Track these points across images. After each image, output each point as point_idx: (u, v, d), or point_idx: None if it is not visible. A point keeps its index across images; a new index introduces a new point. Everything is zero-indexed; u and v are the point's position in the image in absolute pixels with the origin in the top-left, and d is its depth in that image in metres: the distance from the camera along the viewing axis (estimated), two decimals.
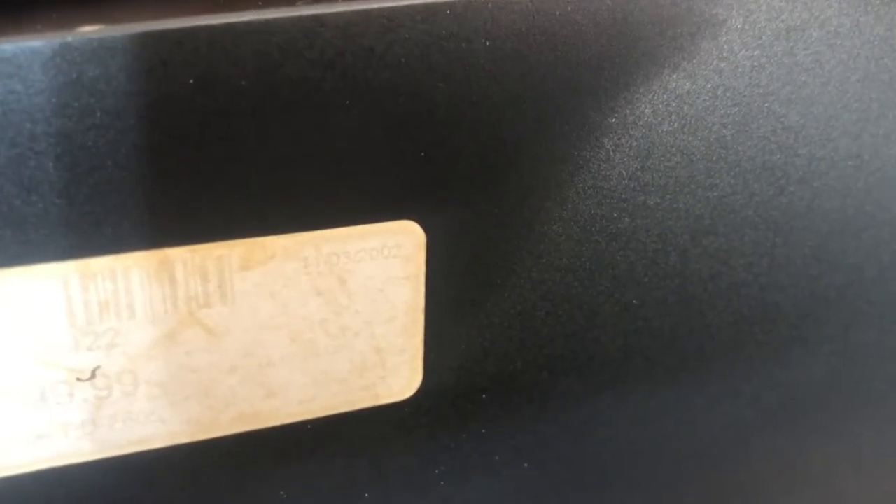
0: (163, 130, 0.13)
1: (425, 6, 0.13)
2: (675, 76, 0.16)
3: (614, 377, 0.18)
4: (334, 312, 0.15)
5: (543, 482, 0.19)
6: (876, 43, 0.17)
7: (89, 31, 0.13)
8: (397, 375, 0.16)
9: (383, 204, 0.15)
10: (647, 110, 0.16)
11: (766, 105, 0.17)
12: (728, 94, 0.16)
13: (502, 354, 0.17)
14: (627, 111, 0.16)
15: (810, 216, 0.18)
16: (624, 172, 0.16)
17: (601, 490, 0.20)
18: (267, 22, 0.13)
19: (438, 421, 0.17)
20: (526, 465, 0.18)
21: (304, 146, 0.14)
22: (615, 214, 0.16)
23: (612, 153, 0.16)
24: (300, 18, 0.13)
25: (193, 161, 0.13)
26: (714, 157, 0.17)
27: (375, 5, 0.13)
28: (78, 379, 0.14)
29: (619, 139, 0.16)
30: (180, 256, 0.14)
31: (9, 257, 0.13)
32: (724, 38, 0.16)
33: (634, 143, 0.16)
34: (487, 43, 0.14)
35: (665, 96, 0.16)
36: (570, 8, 0.15)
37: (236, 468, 0.16)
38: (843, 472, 0.23)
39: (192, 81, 0.13)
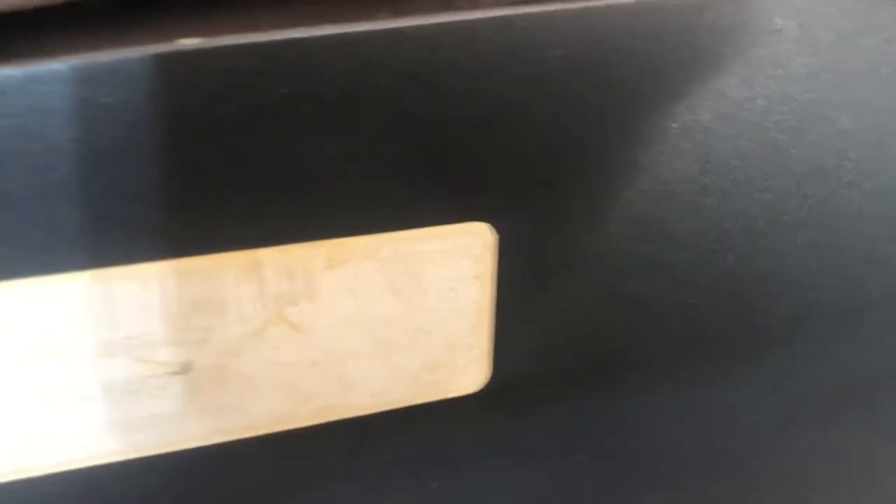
0: (258, 138, 0.14)
1: (503, 18, 0.14)
2: (733, 83, 0.16)
3: (671, 372, 0.18)
4: (408, 310, 0.16)
5: (599, 473, 0.19)
6: None
7: (189, 43, 0.13)
8: (466, 371, 0.17)
9: (457, 207, 0.15)
10: (706, 116, 0.16)
11: (820, 110, 0.17)
12: (783, 100, 0.17)
13: (565, 351, 0.17)
14: (687, 117, 0.16)
15: (860, 218, 0.19)
16: (684, 175, 0.17)
17: (654, 481, 0.20)
18: (353, 35, 0.14)
19: (504, 414, 0.18)
20: (584, 456, 0.19)
21: (385, 153, 0.15)
22: (675, 216, 0.17)
23: (672, 157, 0.17)
24: (385, 31, 0.14)
25: (283, 168, 0.14)
26: (769, 161, 0.17)
27: (455, 18, 0.14)
28: (172, 373, 0.15)
29: (679, 144, 0.16)
30: (270, 257, 0.15)
31: (111, 258, 0.14)
32: (781, 47, 0.16)
33: (694, 148, 0.17)
34: (559, 53, 0.15)
35: (723, 103, 0.16)
36: (635, 20, 0.15)
37: (312, 459, 0.17)
38: (887, 468, 0.23)
39: (284, 92, 0.14)
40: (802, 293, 0.19)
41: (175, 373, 0.15)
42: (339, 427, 0.16)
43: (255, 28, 0.14)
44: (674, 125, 0.16)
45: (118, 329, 0.14)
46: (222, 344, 0.15)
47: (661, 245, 0.17)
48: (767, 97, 0.17)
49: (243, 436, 0.16)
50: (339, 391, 0.16)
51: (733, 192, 0.17)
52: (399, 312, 0.16)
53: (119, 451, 0.15)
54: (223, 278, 0.14)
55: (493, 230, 0.16)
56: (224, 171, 0.14)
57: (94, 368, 0.14)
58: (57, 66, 0.12)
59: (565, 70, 0.15)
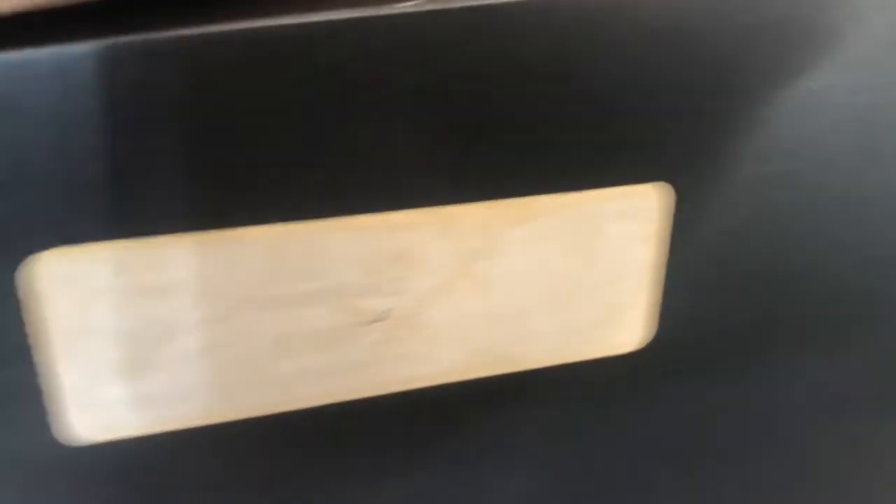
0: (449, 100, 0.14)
1: None
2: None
3: (815, 340, 0.19)
4: (584, 268, 0.17)
5: (739, 430, 0.20)
6: None
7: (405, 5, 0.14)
8: (631, 328, 0.18)
9: (635, 168, 0.16)
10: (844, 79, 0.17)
11: None
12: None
13: (725, 314, 0.18)
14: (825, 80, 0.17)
15: None
16: (843, 141, 0.17)
17: (785, 440, 0.21)
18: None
19: (661, 372, 0.18)
20: (722, 418, 0.20)
21: (570, 116, 0.15)
22: (837, 186, 0.17)
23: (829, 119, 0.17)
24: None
25: (481, 132, 0.15)
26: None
27: None
28: (368, 322, 0.16)
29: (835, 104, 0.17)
30: (465, 213, 0.15)
31: (323, 210, 0.15)
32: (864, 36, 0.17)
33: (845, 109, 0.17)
34: (744, 20, 0.15)
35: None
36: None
37: (485, 408, 0.17)
38: None
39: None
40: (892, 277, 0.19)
41: (371, 322, 0.16)
42: (510, 379, 0.17)
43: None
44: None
45: (324, 278, 0.15)
46: (415, 295, 0.16)
47: (821, 213, 0.18)
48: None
49: (428, 384, 0.17)
50: (515, 344, 0.17)
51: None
52: (575, 269, 0.16)
53: (315, 397, 0.16)
54: (422, 232, 0.15)
55: (670, 192, 0.16)
56: (431, 133, 0.14)
57: (299, 317, 0.15)
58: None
59: (742, 36, 0.15)
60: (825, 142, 0.17)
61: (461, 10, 0.14)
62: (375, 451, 0.17)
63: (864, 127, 0.17)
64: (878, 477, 0.22)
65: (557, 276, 0.16)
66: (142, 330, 0.14)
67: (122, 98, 0.13)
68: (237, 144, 0.14)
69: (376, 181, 0.15)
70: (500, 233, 0.16)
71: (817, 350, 0.19)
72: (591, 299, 0.17)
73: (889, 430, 0.22)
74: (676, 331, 0.18)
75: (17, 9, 0.13)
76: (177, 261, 0.14)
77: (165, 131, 0.13)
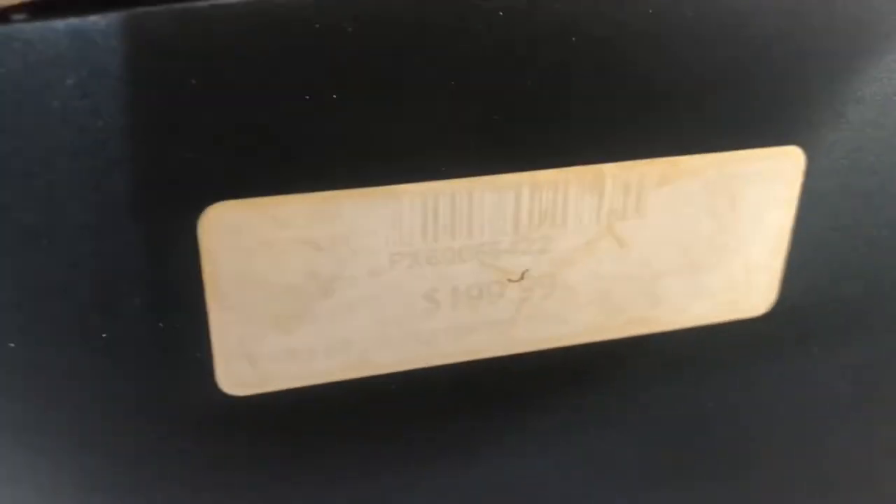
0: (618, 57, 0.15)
1: None
2: None
3: None
4: (720, 230, 0.17)
5: (859, 402, 0.20)
6: None
7: None
8: (758, 291, 0.18)
9: (774, 130, 0.16)
10: None
11: None
12: None
13: (851, 281, 0.18)
14: None
15: None
16: None
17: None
18: None
19: (784, 337, 0.18)
20: (845, 384, 0.20)
21: (714, 80, 0.16)
22: None
23: None
24: None
25: (626, 93, 0.15)
26: None
27: None
28: (510, 280, 0.16)
29: None
30: (611, 172, 0.16)
31: (475, 168, 0.15)
32: None
33: None
34: None
35: None
36: None
37: (615, 370, 0.18)
38: None
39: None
40: None
41: (513, 280, 0.16)
42: (641, 341, 0.18)
43: None
44: None
45: (473, 236, 0.16)
46: (557, 254, 0.16)
47: None
48: None
49: (563, 344, 0.17)
50: (649, 306, 0.17)
51: None
52: (712, 231, 0.17)
53: (455, 353, 0.17)
54: (569, 190, 0.16)
55: (800, 155, 0.17)
56: (580, 94, 0.15)
57: (445, 274, 0.16)
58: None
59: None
60: None
61: None
62: (507, 409, 0.18)
63: None
64: None
65: (695, 238, 0.17)
66: (301, 283, 0.15)
67: (280, 54, 0.13)
68: (393, 107, 0.14)
69: (524, 141, 0.15)
70: (646, 192, 0.16)
71: None
72: (724, 262, 0.17)
73: None
74: (798, 297, 0.18)
75: None
76: (337, 216, 0.15)
77: (327, 89, 0.14)
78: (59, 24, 0.13)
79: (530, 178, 0.15)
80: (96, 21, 0.13)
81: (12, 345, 0.15)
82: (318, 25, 0.13)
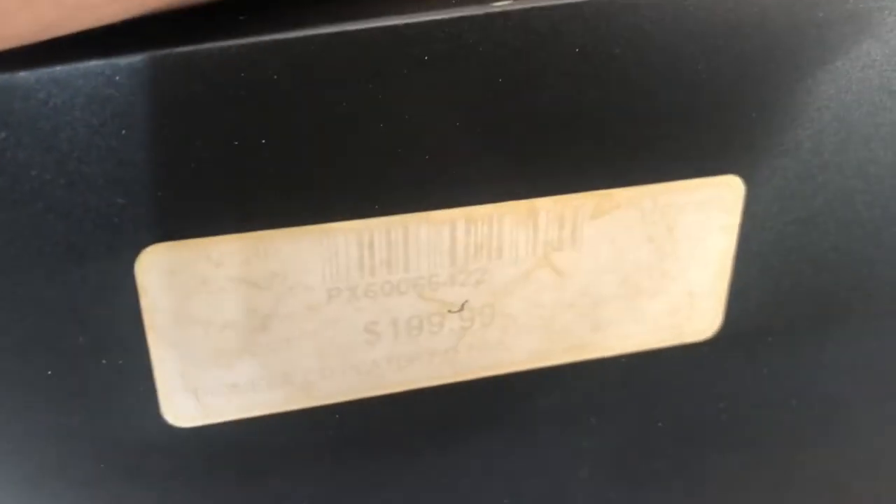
0: (532, 94, 0.15)
1: None
2: None
3: (879, 326, 0.19)
4: (659, 258, 0.17)
5: (810, 418, 0.20)
6: None
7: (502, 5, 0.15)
8: (702, 316, 0.18)
9: (711, 160, 0.16)
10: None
11: None
12: None
13: (792, 301, 0.18)
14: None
15: None
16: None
17: (855, 429, 0.21)
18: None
19: (730, 361, 0.19)
20: (794, 402, 0.20)
21: (648, 113, 0.16)
22: None
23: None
24: None
25: (560, 127, 0.15)
26: None
27: None
28: (449, 311, 0.16)
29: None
30: (545, 206, 0.16)
31: (410, 204, 0.15)
32: None
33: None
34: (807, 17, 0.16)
35: None
36: None
37: (561, 394, 0.18)
38: None
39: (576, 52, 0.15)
40: None
41: (452, 311, 0.16)
42: (583, 367, 0.18)
43: None
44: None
45: (410, 270, 0.16)
46: (495, 285, 0.16)
47: (890, 201, 0.18)
48: None
49: (505, 371, 0.17)
50: (590, 332, 0.17)
51: None
52: (650, 259, 0.17)
53: (398, 383, 0.17)
54: (503, 224, 0.16)
55: (739, 184, 0.17)
56: (512, 130, 0.15)
57: (384, 306, 0.16)
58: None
59: (812, 34, 0.16)
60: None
61: (544, 8, 0.15)
62: (453, 434, 0.18)
63: None
64: None
65: (634, 266, 0.17)
66: (240, 320, 0.15)
67: (212, 100, 0.14)
68: (328, 145, 0.15)
69: (459, 177, 0.15)
70: (580, 224, 0.16)
71: (885, 338, 0.20)
72: (665, 288, 0.17)
73: None
74: (742, 320, 0.18)
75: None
76: (272, 254, 0.15)
77: (259, 133, 0.14)
78: None
79: (464, 213, 0.16)
80: (24, 76, 0.13)
81: None
82: (244, 74, 0.14)
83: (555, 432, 0.18)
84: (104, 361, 0.15)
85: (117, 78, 0.13)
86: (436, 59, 0.14)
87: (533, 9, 0.14)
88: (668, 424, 0.19)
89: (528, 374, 0.17)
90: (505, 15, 0.14)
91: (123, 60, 0.13)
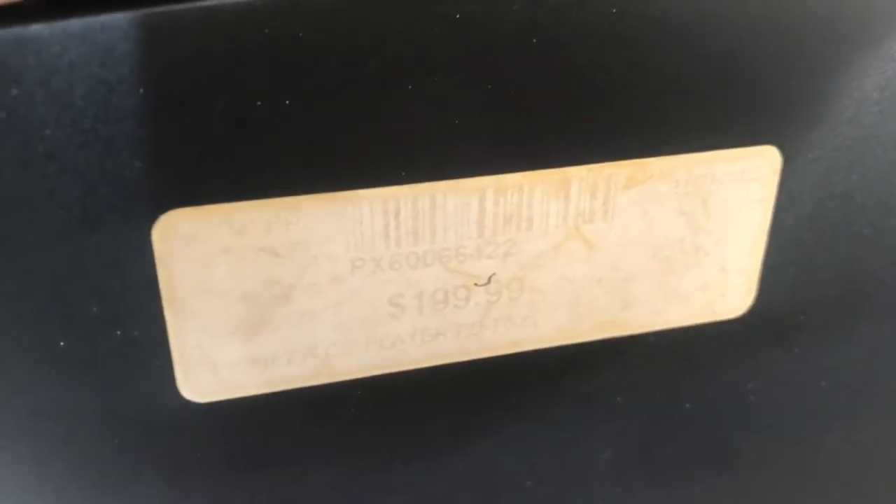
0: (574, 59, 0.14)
1: None
2: None
3: None
4: (692, 231, 0.16)
5: (839, 402, 0.20)
6: None
7: None
8: (734, 293, 0.17)
9: (748, 130, 0.16)
10: None
11: None
12: None
13: (826, 278, 0.18)
14: None
15: None
16: None
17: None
18: None
19: (761, 339, 0.18)
20: (824, 383, 0.19)
21: (684, 79, 0.15)
22: None
23: None
24: None
25: (594, 94, 0.15)
26: None
27: None
28: (476, 284, 0.16)
29: None
30: (577, 175, 0.15)
31: (438, 172, 0.15)
32: None
33: None
34: None
35: None
36: None
37: (583, 373, 0.17)
38: None
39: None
40: None
41: (479, 284, 0.16)
42: (613, 344, 0.17)
43: None
44: None
45: (437, 241, 0.15)
46: (524, 257, 0.16)
47: None
48: None
49: (532, 347, 0.17)
50: (619, 309, 0.17)
51: None
52: (683, 233, 0.16)
53: (422, 359, 0.16)
54: (534, 194, 0.15)
55: (776, 155, 0.16)
56: (545, 95, 0.14)
57: (409, 278, 0.15)
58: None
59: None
60: None
61: None
62: (476, 412, 0.17)
63: None
64: None
65: (665, 240, 0.16)
66: (260, 291, 0.15)
67: (235, 58, 0.13)
68: (354, 108, 0.14)
69: (489, 144, 0.15)
70: (613, 195, 0.16)
71: None
72: (697, 264, 0.17)
73: None
74: (774, 298, 0.18)
75: None
76: (295, 223, 0.14)
77: (284, 94, 0.14)
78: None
79: (494, 181, 0.15)
80: (38, 29, 0.13)
81: None
82: (268, 30, 0.13)
83: (580, 412, 0.18)
84: (119, 333, 0.15)
85: (136, 32, 0.13)
86: (467, 19, 0.14)
87: None
88: (696, 405, 0.19)
89: (554, 351, 0.17)
90: None
91: (143, 13, 0.13)
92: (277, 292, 0.15)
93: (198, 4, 0.13)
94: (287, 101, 0.14)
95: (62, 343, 0.15)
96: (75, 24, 0.13)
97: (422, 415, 0.17)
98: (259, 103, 0.13)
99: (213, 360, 0.15)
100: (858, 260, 0.18)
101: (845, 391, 0.20)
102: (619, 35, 0.14)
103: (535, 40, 0.14)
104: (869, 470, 0.22)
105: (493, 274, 0.16)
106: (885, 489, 0.22)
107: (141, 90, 0.13)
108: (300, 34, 0.13)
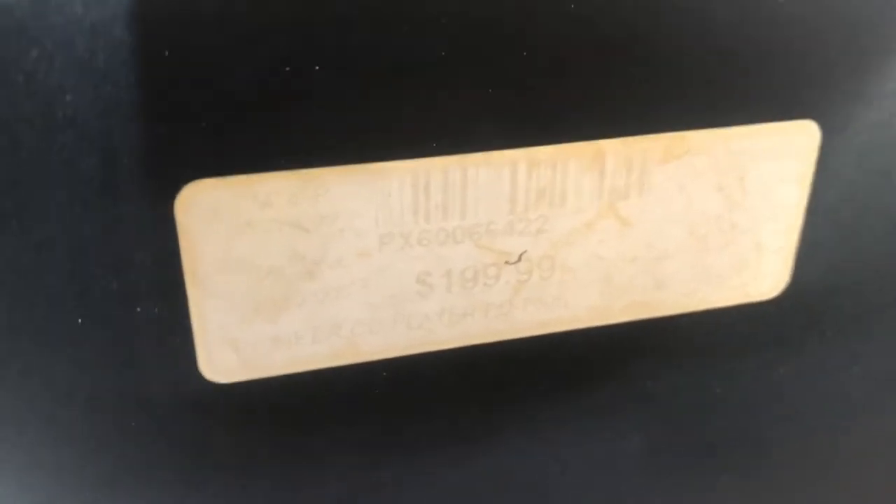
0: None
1: None
2: None
3: None
4: (729, 208, 0.16)
5: (871, 388, 0.19)
6: None
7: None
8: (769, 274, 0.17)
9: (787, 103, 0.15)
10: None
11: None
12: None
13: (862, 260, 0.17)
14: None
15: None
16: None
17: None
18: None
19: (795, 322, 0.18)
20: (857, 369, 0.19)
21: (723, 51, 0.15)
22: None
23: None
24: None
25: (622, 61, 0.14)
26: None
27: None
28: (506, 262, 0.15)
29: None
30: (613, 148, 0.15)
31: (469, 144, 0.14)
32: None
33: None
34: None
35: None
36: None
37: (618, 355, 0.17)
38: None
39: None
40: None
41: (509, 262, 0.15)
42: (645, 326, 0.17)
43: None
44: None
45: (467, 216, 0.15)
46: (556, 234, 0.15)
47: None
48: None
49: (563, 328, 0.16)
50: (653, 288, 0.16)
51: None
52: (720, 210, 0.16)
53: (449, 339, 0.16)
54: (568, 168, 0.15)
55: (815, 130, 0.16)
56: (579, 66, 0.14)
57: (438, 255, 0.15)
58: None
59: None
60: None
61: None
62: (502, 395, 0.17)
63: None
64: None
65: (702, 218, 0.16)
66: (285, 266, 0.14)
67: (262, 23, 0.13)
68: (383, 76, 0.13)
69: (522, 115, 0.14)
70: (649, 169, 0.15)
71: None
72: (733, 242, 0.16)
73: None
74: (810, 280, 0.17)
75: None
76: (322, 195, 0.14)
77: (312, 60, 0.13)
78: None
79: (527, 154, 0.15)
80: None
81: None
82: None
83: (608, 396, 0.17)
84: (139, 309, 0.14)
85: None
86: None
87: None
88: (726, 390, 0.18)
89: (585, 333, 0.16)
90: None
91: None
92: (302, 268, 0.14)
93: None
94: (316, 67, 0.13)
95: (79, 320, 0.14)
96: None
97: (448, 397, 0.16)
98: (287, 69, 0.13)
99: (236, 339, 0.15)
100: (888, 245, 0.17)
101: (877, 378, 0.19)
102: (657, 4, 0.14)
103: (572, 6, 0.14)
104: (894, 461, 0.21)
105: (525, 251, 0.15)
106: None
107: (165, 54, 0.13)
108: None
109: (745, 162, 0.16)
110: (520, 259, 0.15)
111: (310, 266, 0.14)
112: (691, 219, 0.16)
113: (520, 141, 0.14)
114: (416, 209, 0.14)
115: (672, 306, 0.17)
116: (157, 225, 0.14)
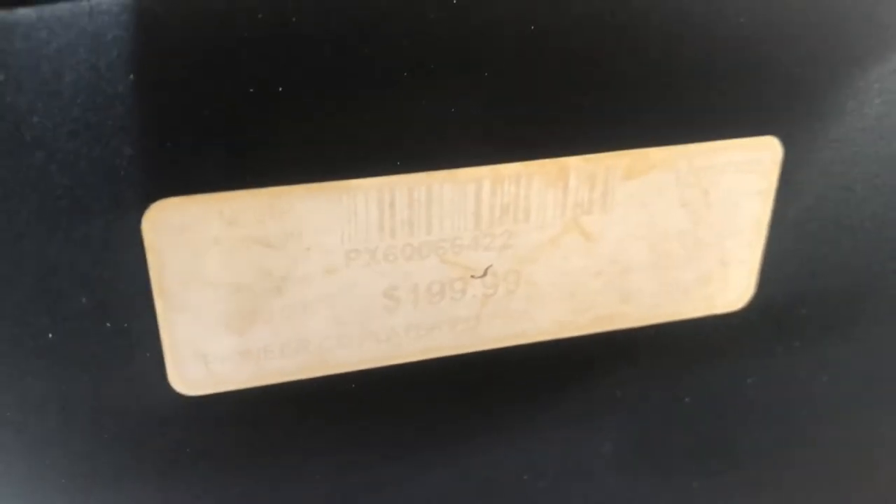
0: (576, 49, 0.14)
1: None
2: None
3: None
4: (693, 223, 0.16)
5: (841, 392, 0.20)
6: None
7: None
8: (734, 287, 0.17)
9: (749, 120, 0.16)
10: None
11: None
12: None
13: (826, 272, 0.18)
14: None
15: None
16: None
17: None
18: None
19: (761, 333, 0.18)
20: (825, 377, 0.19)
21: (686, 68, 0.15)
22: None
23: None
24: None
25: (593, 84, 0.15)
26: None
27: None
28: (472, 276, 0.16)
29: None
30: (576, 165, 0.15)
31: (434, 161, 0.15)
32: None
33: None
34: None
35: None
36: None
37: (582, 368, 0.17)
38: None
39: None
40: None
41: (475, 276, 0.16)
42: (612, 338, 0.17)
43: None
44: None
45: (433, 232, 0.15)
46: (521, 249, 0.16)
47: None
48: None
49: (528, 341, 0.16)
50: (618, 302, 0.17)
51: None
52: (684, 225, 0.16)
53: (417, 352, 0.16)
54: (532, 184, 0.15)
55: (777, 145, 0.16)
56: (542, 84, 0.14)
57: (404, 270, 0.15)
58: None
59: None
60: None
61: None
62: (472, 407, 0.17)
63: None
64: None
65: (665, 233, 0.16)
66: (253, 282, 0.14)
67: (227, 44, 0.13)
68: (348, 95, 0.14)
69: (486, 133, 0.15)
70: (612, 186, 0.15)
71: None
72: (697, 256, 0.17)
73: None
74: (774, 291, 0.17)
75: None
76: (288, 213, 0.14)
77: (277, 81, 0.13)
78: None
79: (491, 171, 0.15)
80: (25, 13, 0.12)
81: None
82: (261, 16, 0.13)
83: (578, 406, 0.18)
84: (108, 325, 0.14)
85: (125, 17, 0.13)
86: (465, 7, 0.14)
87: None
88: (695, 399, 0.18)
89: (552, 345, 0.17)
90: None
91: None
92: (270, 284, 0.15)
93: None
94: (280, 88, 0.13)
95: (50, 335, 0.14)
96: (63, 8, 0.12)
97: (417, 409, 0.17)
98: (251, 90, 0.13)
99: (205, 353, 0.15)
100: (860, 253, 0.18)
101: (846, 386, 0.19)
102: (619, 23, 0.14)
103: (533, 28, 0.14)
104: (869, 465, 0.22)
105: (490, 266, 0.16)
106: (886, 485, 0.22)
107: (130, 77, 0.13)
108: (292, 18, 0.13)
109: (709, 177, 0.16)
110: (485, 273, 0.16)
111: (277, 282, 0.15)
112: (655, 234, 0.16)
113: (484, 158, 0.15)
114: (382, 225, 0.15)
115: (638, 319, 0.17)
116: (125, 242, 0.14)
